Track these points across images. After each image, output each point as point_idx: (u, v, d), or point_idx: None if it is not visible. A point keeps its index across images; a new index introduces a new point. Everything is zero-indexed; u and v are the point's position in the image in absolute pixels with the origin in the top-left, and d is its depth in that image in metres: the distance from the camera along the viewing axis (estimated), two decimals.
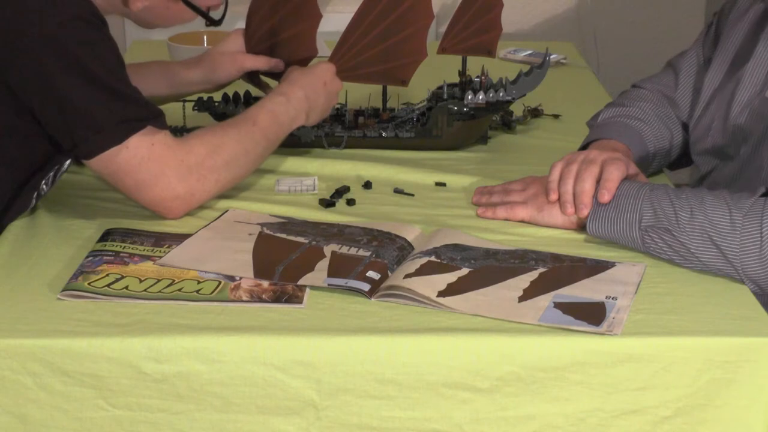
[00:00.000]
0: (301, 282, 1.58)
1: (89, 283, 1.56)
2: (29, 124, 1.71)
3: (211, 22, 1.88)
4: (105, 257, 1.64)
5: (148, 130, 1.69)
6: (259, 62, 2.07)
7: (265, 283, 1.58)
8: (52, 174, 1.79)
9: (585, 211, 1.72)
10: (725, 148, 1.90)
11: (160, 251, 1.66)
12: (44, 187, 1.78)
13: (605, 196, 1.71)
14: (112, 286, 1.56)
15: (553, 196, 1.77)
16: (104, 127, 1.67)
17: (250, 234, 1.73)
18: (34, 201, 1.78)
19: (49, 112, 1.68)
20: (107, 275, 1.59)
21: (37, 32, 1.63)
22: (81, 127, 1.67)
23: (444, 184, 1.98)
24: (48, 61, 1.64)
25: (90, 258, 1.64)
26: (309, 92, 1.95)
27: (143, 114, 1.70)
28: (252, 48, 2.08)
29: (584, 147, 1.95)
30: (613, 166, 1.73)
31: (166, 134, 1.72)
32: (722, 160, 1.92)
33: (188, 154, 1.73)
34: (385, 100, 2.14)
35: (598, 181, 1.73)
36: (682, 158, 2.08)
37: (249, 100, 2.14)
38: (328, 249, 1.67)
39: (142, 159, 1.69)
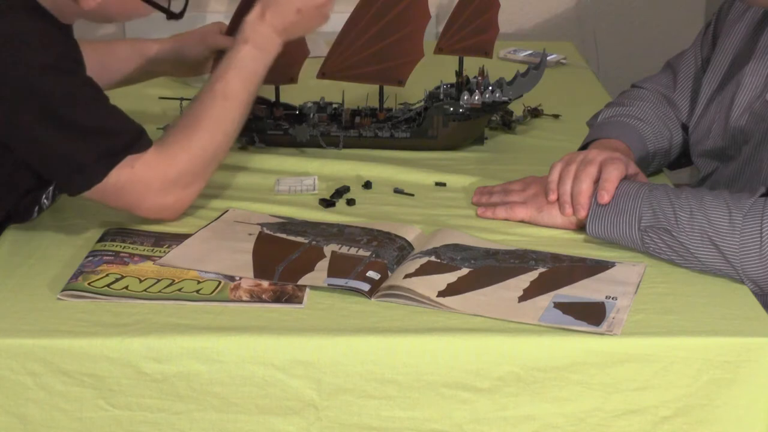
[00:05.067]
0: (301, 282, 1.58)
1: (89, 283, 1.56)
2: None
3: (171, 16, 1.78)
4: (105, 257, 1.64)
5: (128, 159, 1.69)
6: (229, 41, 2.01)
7: (265, 283, 1.58)
8: (52, 188, 1.79)
9: (583, 212, 1.72)
10: (726, 149, 1.90)
11: (160, 251, 1.66)
12: (45, 201, 1.79)
13: (604, 197, 1.71)
14: (112, 286, 1.56)
15: (552, 197, 1.77)
16: (84, 167, 1.66)
17: (250, 234, 1.73)
18: (35, 214, 1.78)
19: (29, 157, 1.68)
20: (107, 275, 1.59)
21: (9, 82, 1.61)
22: (61, 169, 1.68)
23: (444, 184, 1.98)
24: (22, 112, 1.62)
25: (90, 258, 1.64)
26: (278, 25, 1.85)
27: (123, 144, 1.69)
28: None
29: (584, 146, 1.95)
30: (611, 167, 1.73)
31: (144, 155, 1.70)
32: (723, 162, 1.92)
33: (169, 168, 1.72)
34: (381, 100, 2.14)
35: (597, 182, 1.73)
36: (682, 158, 2.08)
37: None
38: (328, 249, 1.67)
39: (126, 183, 1.69)
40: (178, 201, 1.75)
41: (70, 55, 1.68)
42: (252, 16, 1.85)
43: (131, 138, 1.70)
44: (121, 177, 1.68)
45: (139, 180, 1.70)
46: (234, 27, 2.04)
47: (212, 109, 1.78)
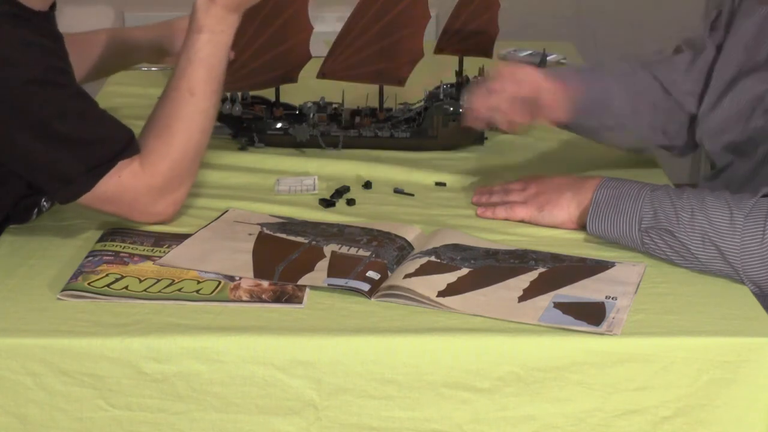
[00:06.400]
0: (301, 282, 1.58)
1: (89, 283, 1.56)
2: None
3: None
4: (105, 257, 1.64)
5: (114, 171, 1.68)
6: None
7: (265, 283, 1.58)
8: None
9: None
10: (743, 145, 1.88)
11: (160, 251, 1.66)
12: (45, 204, 1.79)
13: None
14: (111, 286, 1.56)
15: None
16: (73, 178, 1.66)
17: (250, 234, 1.73)
18: (34, 216, 1.78)
19: (18, 168, 1.68)
20: (107, 275, 1.59)
21: None
22: (50, 181, 1.67)
23: (444, 184, 1.98)
24: (10, 126, 1.62)
25: (90, 258, 1.64)
26: (230, 4, 1.75)
27: (111, 153, 1.68)
28: (234, 71, 2.03)
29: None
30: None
31: (132, 162, 1.70)
32: (739, 158, 1.91)
33: (153, 177, 1.71)
34: (381, 100, 2.14)
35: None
36: (677, 138, 2.05)
37: (246, 98, 2.14)
38: (328, 249, 1.67)
39: (114, 193, 1.69)
40: (170, 205, 1.75)
41: (58, 66, 1.67)
42: (201, 0, 1.77)
43: (119, 147, 1.69)
44: (109, 187, 1.68)
45: (127, 190, 1.70)
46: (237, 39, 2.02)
47: (182, 109, 1.74)
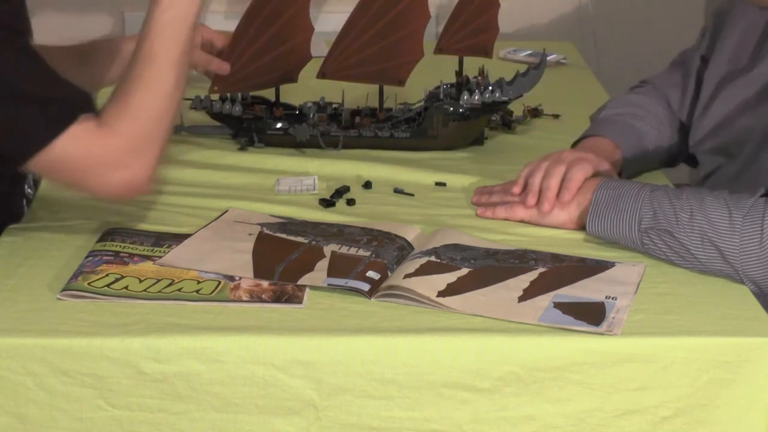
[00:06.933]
0: (300, 282, 1.58)
1: (89, 283, 1.56)
2: None
3: None
4: (105, 257, 1.64)
5: (73, 128, 1.60)
6: (217, 38, 1.98)
7: (265, 283, 1.58)
8: (30, 175, 1.77)
9: (547, 206, 1.77)
10: (730, 146, 1.90)
11: (160, 251, 1.66)
12: (29, 191, 1.77)
13: (565, 196, 1.76)
14: (111, 286, 1.56)
15: (517, 189, 1.82)
16: (27, 133, 1.58)
17: (250, 234, 1.73)
18: (25, 207, 1.77)
19: None
20: (107, 275, 1.59)
21: None
22: (5, 137, 1.60)
23: (444, 184, 1.98)
24: None
25: (90, 258, 1.64)
26: None
27: (66, 110, 1.60)
28: (234, 72, 2.03)
29: (579, 140, 1.99)
30: (577, 167, 1.78)
31: (88, 122, 1.61)
32: (727, 159, 1.92)
33: (112, 138, 1.62)
34: (381, 100, 2.14)
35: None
36: (679, 157, 2.08)
37: (246, 98, 2.14)
38: (328, 249, 1.67)
39: (72, 154, 1.61)
40: (131, 174, 1.64)
41: (5, 24, 1.60)
42: None
43: (74, 105, 1.61)
44: (68, 147, 1.59)
45: (87, 153, 1.61)
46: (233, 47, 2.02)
47: (142, 74, 1.65)
